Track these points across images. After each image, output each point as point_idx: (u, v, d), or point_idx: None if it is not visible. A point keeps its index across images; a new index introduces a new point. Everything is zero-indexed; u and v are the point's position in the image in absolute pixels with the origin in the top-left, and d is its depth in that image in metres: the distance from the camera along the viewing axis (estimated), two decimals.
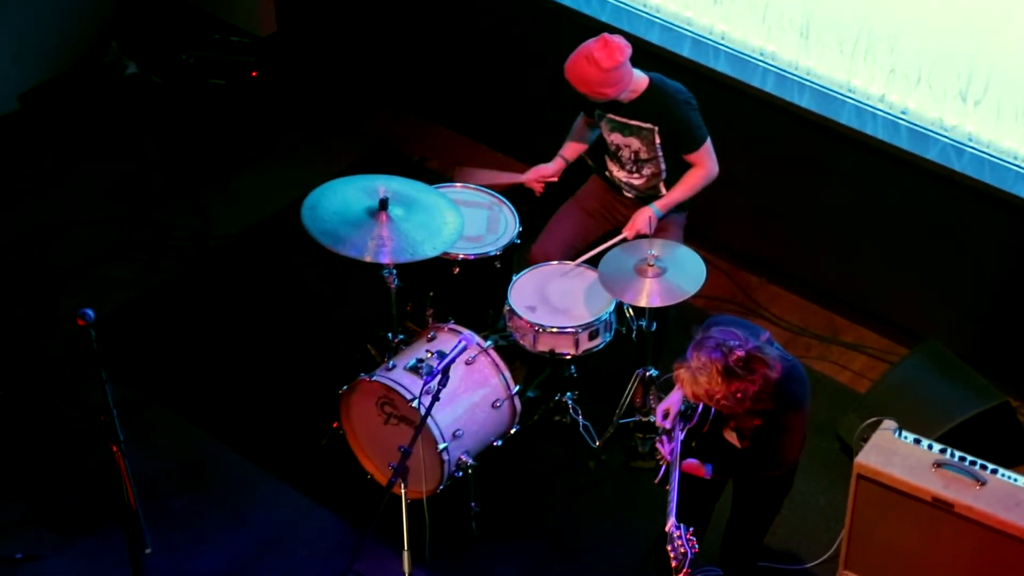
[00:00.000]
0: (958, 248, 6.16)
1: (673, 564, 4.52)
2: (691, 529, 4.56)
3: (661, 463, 4.87)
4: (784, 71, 6.32)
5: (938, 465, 5.13)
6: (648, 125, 5.76)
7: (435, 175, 7.11)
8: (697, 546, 4.53)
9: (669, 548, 4.55)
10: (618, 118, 5.82)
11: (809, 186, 6.54)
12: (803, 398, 4.72)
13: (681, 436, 4.86)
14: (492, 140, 7.41)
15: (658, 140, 5.77)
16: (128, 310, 6.56)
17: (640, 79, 5.73)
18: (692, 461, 4.87)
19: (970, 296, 6.21)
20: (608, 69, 5.58)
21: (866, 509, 5.22)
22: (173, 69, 7.69)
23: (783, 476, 4.95)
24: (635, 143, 5.82)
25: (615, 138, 5.86)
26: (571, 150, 6.10)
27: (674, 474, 4.73)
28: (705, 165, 5.81)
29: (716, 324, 4.67)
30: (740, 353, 4.48)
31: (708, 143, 5.80)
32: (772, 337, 4.74)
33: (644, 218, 5.80)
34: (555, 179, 6.06)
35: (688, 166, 5.87)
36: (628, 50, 5.63)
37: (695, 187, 5.85)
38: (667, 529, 4.58)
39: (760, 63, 6.36)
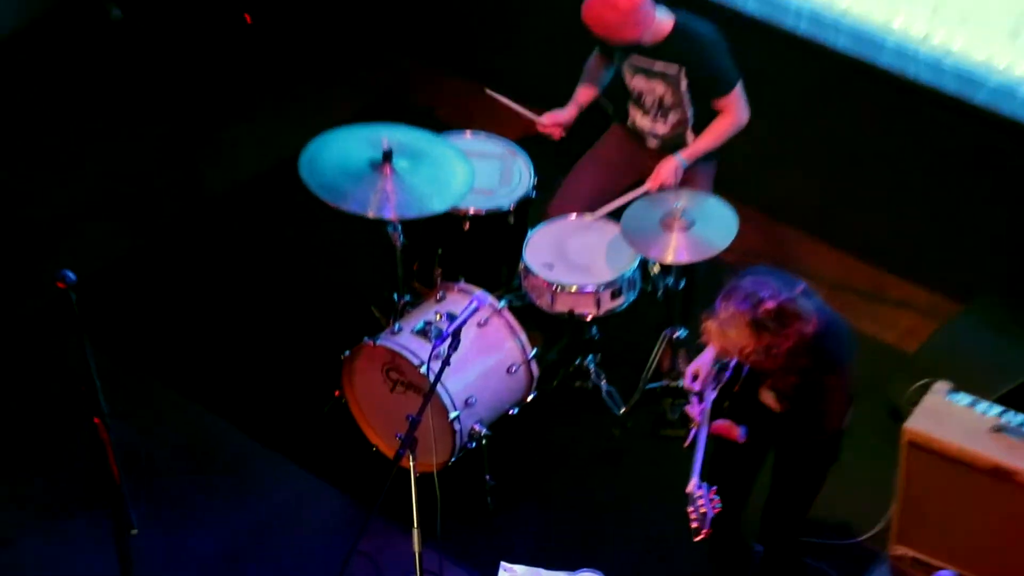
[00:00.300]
0: (1012, 196, 6.10)
1: (693, 525, 4.55)
2: (714, 488, 4.59)
3: (692, 428, 4.86)
4: (819, 12, 6.23)
5: (997, 430, 5.07)
6: (674, 68, 5.71)
7: (443, 124, 7.05)
8: (720, 506, 4.56)
9: (690, 509, 4.57)
10: (641, 61, 5.76)
11: (848, 133, 6.48)
12: (845, 355, 4.69)
13: (713, 395, 4.84)
14: (504, 87, 7.37)
15: (684, 84, 5.72)
16: (113, 272, 6.56)
17: (664, 19, 5.68)
18: (724, 422, 4.85)
19: None
20: (628, 10, 5.56)
21: (918, 479, 5.18)
22: (159, 11, 7.59)
23: (827, 443, 4.90)
24: (659, 88, 5.76)
25: (637, 83, 5.80)
26: (584, 94, 6.06)
27: (702, 432, 4.75)
28: (735, 111, 5.76)
29: (754, 276, 4.62)
30: (771, 305, 4.46)
31: (739, 87, 5.74)
32: (810, 288, 4.67)
33: (669, 168, 5.76)
34: (568, 125, 6.02)
35: (716, 112, 5.81)
36: None
37: (724, 134, 5.80)
38: (688, 490, 4.60)
39: (793, 3, 6.27)
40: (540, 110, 6.08)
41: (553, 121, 5.99)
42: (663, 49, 5.68)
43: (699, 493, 4.57)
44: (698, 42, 5.67)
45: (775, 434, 4.87)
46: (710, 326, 4.54)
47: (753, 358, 4.54)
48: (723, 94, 5.72)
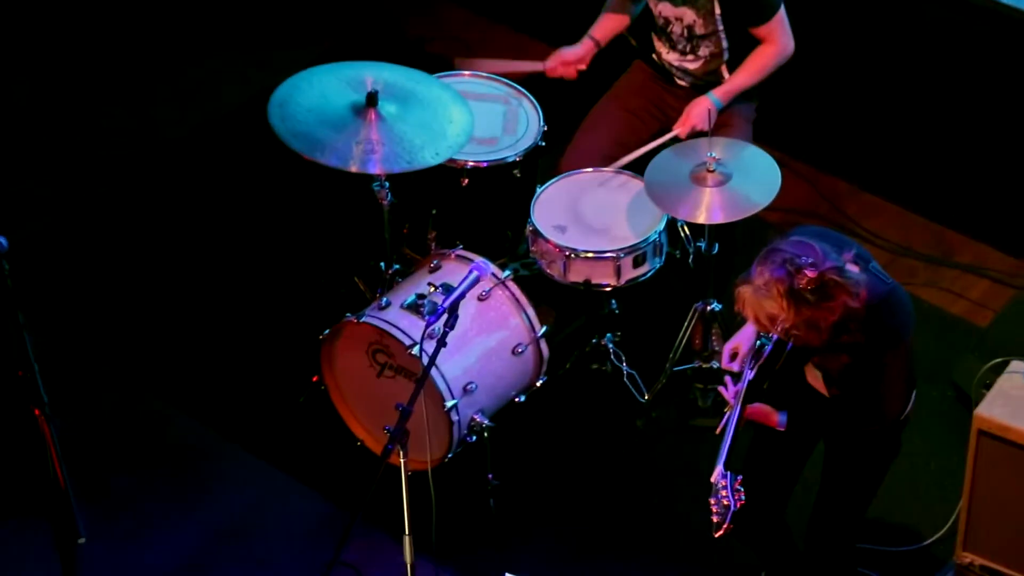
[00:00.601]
0: None
1: (714, 519, 4.59)
2: (739, 478, 4.62)
3: (726, 412, 4.88)
4: None
5: None
6: None
7: (437, 61, 7.01)
8: (744, 498, 4.59)
9: (712, 500, 4.61)
10: None
11: (912, 67, 6.49)
12: (904, 331, 4.70)
13: (751, 375, 4.84)
14: (509, 17, 7.39)
15: (718, 10, 5.73)
16: (50, 234, 6.57)
17: None
18: (761, 406, 4.86)
19: None
20: None
21: (990, 474, 5.17)
22: None
23: (884, 434, 4.91)
24: (689, 15, 5.77)
25: (664, 8, 5.81)
26: (604, 28, 6.05)
27: (733, 416, 4.77)
28: (777, 40, 5.77)
29: (799, 237, 4.63)
30: (811, 273, 4.46)
31: (782, 12, 5.75)
32: (864, 252, 4.69)
33: (701, 110, 5.77)
34: (583, 66, 6.03)
35: (756, 43, 5.81)
36: None
37: (765, 69, 5.81)
38: (712, 479, 4.64)
39: None
40: (549, 49, 6.05)
41: (560, 60, 5.99)
42: None
43: (723, 483, 4.61)
44: None
45: (823, 422, 4.89)
46: (744, 293, 4.55)
47: (794, 333, 4.56)
48: (764, 20, 5.73)
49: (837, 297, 4.48)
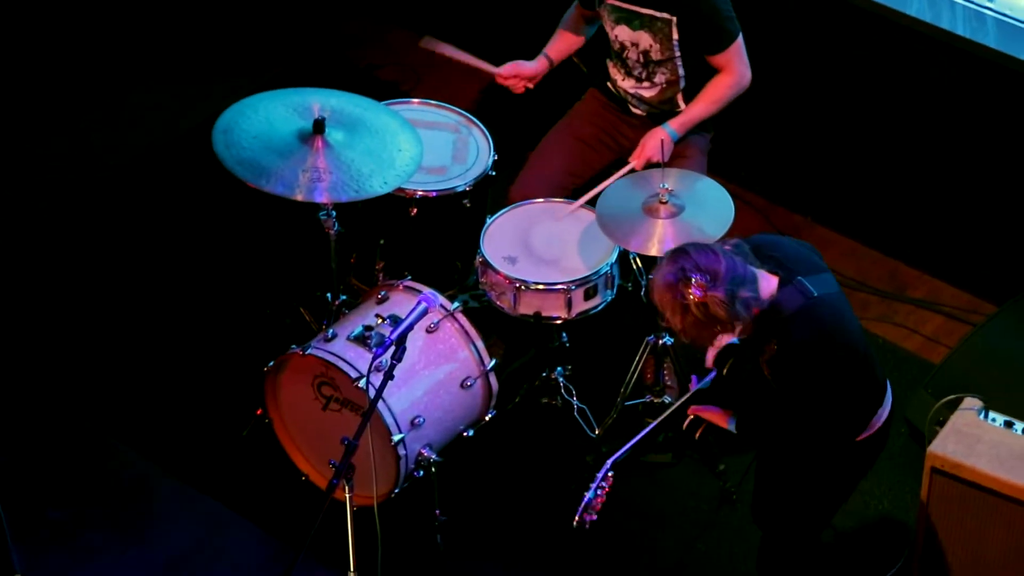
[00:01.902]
0: None
1: (584, 513, 4.75)
2: (611, 475, 4.78)
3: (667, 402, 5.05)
4: None
5: None
6: (664, 14, 5.75)
7: (386, 88, 7.07)
8: (604, 497, 4.77)
9: (587, 489, 4.77)
10: (626, 5, 5.80)
11: (867, 97, 6.54)
12: (819, 346, 4.68)
13: (712, 375, 4.93)
14: (463, 43, 7.39)
15: (676, 35, 5.76)
16: None
17: None
18: (713, 408, 4.93)
19: None
20: None
21: (943, 511, 5.23)
22: None
23: (836, 451, 4.93)
24: (645, 39, 5.81)
25: (620, 33, 5.85)
26: (559, 47, 6.07)
27: (666, 412, 4.88)
28: (735, 69, 5.81)
29: (765, 243, 4.73)
30: (697, 293, 4.53)
31: (740, 41, 5.80)
32: (809, 263, 4.73)
33: (656, 142, 5.79)
34: (532, 84, 6.04)
35: (713, 71, 5.85)
36: None
37: (722, 99, 5.85)
38: (603, 471, 4.79)
39: None
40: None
41: (514, 72, 5.99)
42: None
43: (604, 476, 4.75)
44: None
45: (755, 425, 4.93)
46: (651, 283, 4.67)
47: (682, 335, 4.64)
48: (721, 48, 5.77)
49: (716, 320, 4.56)
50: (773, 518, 5.17)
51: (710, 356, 4.98)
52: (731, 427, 4.92)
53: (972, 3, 6.07)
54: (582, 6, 6.00)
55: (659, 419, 5.02)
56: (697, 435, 5.16)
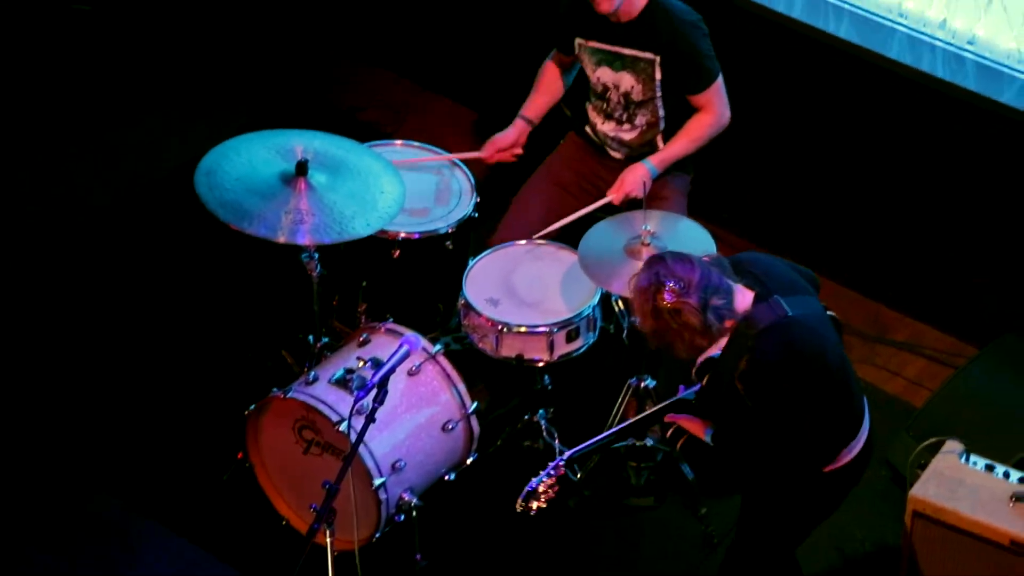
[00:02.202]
0: None
1: (528, 500, 4.85)
2: (561, 470, 4.86)
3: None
4: None
5: (1017, 499, 5.15)
6: (647, 55, 5.78)
7: (369, 130, 7.09)
8: (553, 495, 4.85)
9: (539, 478, 4.85)
10: (608, 46, 5.82)
11: (849, 139, 6.56)
12: (780, 361, 4.70)
13: (697, 387, 4.97)
14: (443, 85, 7.41)
15: (658, 75, 5.79)
16: None
17: None
18: (691, 417, 4.98)
19: None
20: None
21: (925, 554, 5.24)
22: None
23: (799, 482, 4.93)
24: (628, 80, 5.84)
25: (602, 75, 5.87)
26: (536, 106, 6.10)
27: (637, 415, 5.00)
28: (715, 109, 5.84)
29: (749, 260, 4.80)
30: (669, 299, 4.62)
31: (719, 81, 5.83)
32: (790, 284, 4.76)
33: (635, 177, 5.82)
34: (519, 150, 6.09)
35: (691, 112, 5.88)
36: None
37: (702, 138, 5.88)
38: (555, 460, 4.88)
39: None
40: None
41: (496, 148, 6.04)
42: (636, 30, 5.74)
43: (556, 468, 4.84)
44: (677, 22, 5.74)
45: (727, 444, 4.95)
46: (628, 285, 4.76)
47: (653, 340, 4.72)
48: (702, 88, 5.80)
49: (686, 327, 4.63)
50: (735, 545, 5.18)
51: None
52: (707, 438, 4.95)
53: (952, 46, 6.10)
54: (561, 52, 6.02)
55: (632, 420, 5.07)
56: (679, 445, 5.18)
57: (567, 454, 4.92)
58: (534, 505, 4.91)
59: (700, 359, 4.92)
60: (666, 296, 4.61)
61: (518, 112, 6.08)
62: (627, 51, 5.79)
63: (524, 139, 6.07)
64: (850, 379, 4.83)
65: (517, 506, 4.92)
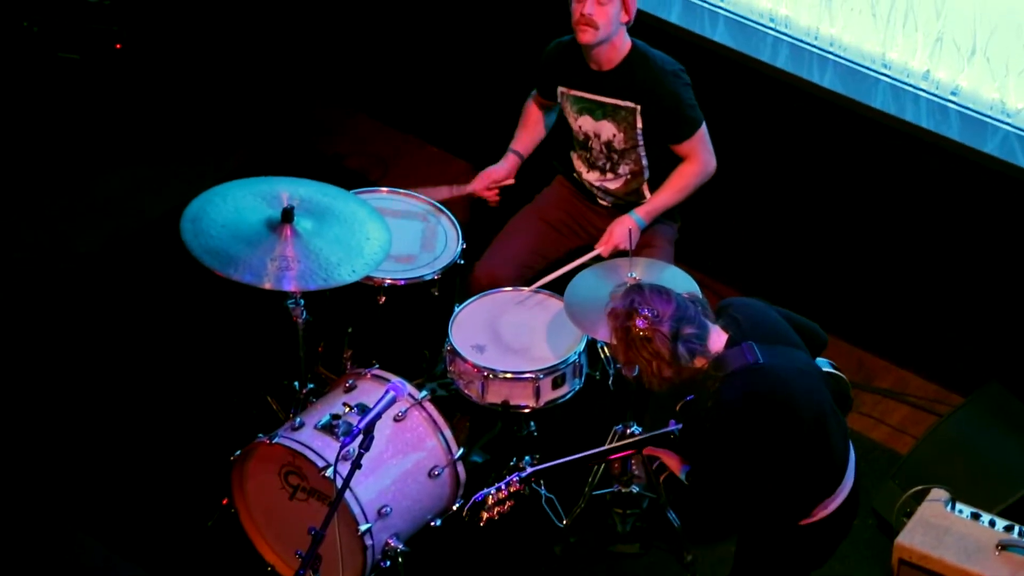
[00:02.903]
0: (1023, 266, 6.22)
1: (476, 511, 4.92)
2: (515, 487, 4.91)
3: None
4: (800, 41, 6.37)
5: (1003, 547, 5.17)
6: (628, 104, 5.80)
7: (354, 177, 7.10)
8: (492, 507, 4.90)
9: (489, 490, 4.90)
10: (589, 95, 5.85)
11: (832, 188, 6.59)
12: (740, 407, 4.70)
13: (677, 425, 5.01)
14: (427, 132, 7.43)
15: (639, 124, 5.82)
16: None
17: (622, 39, 5.78)
18: (670, 452, 5.00)
19: None
20: None
21: None
22: (12, 40, 7.64)
23: (779, 534, 4.93)
24: (609, 129, 5.86)
25: (584, 123, 5.90)
26: (525, 141, 6.13)
27: (622, 443, 5.04)
28: (699, 158, 5.86)
29: (737, 305, 4.82)
30: (642, 325, 4.68)
31: (703, 129, 5.85)
32: (771, 329, 4.78)
33: (623, 230, 5.82)
34: (510, 181, 6.10)
35: (676, 160, 5.90)
36: None
37: (688, 187, 5.90)
38: (513, 475, 4.93)
39: (770, 31, 6.41)
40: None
41: (489, 181, 6.05)
42: (616, 79, 5.78)
43: (508, 481, 4.90)
44: (659, 72, 5.77)
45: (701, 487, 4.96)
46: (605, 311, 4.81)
47: (624, 369, 4.84)
48: (685, 137, 5.82)
49: (655, 356, 4.67)
50: None
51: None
52: (683, 475, 4.96)
53: (936, 96, 6.14)
54: (541, 96, 6.06)
55: (608, 447, 5.10)
56: (662, 479, 5.18)
57: (528, 471, 4.96)
58: (484, 516, 4.94)
59: (682, 403, 4.97)
60: (638, 323, 4.67)
61: (508, 146, 6.11)
62: (608, 100, 5.82)
63: (514, 173, 6.08)
64: (829, 435, 4.80)
65: (464, 514, 4.97)
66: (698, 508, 5.51)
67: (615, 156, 5.91)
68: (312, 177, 5.81)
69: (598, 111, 5.84)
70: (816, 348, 5.05)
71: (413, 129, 7.48)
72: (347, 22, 7.49)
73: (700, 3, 6.47)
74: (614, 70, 5.78)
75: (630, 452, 5.33)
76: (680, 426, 4.96)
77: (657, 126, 5.82)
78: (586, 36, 5.71)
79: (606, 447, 5.09)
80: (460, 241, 6.02)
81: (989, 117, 6.07)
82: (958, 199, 6.28)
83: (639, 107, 5.79)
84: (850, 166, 6.50)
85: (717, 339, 4.73)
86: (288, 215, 5.53)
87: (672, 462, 4.99)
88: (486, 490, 4.93)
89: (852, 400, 5.24)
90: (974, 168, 6.13)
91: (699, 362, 4.70)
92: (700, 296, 4.85)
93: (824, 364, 5.13)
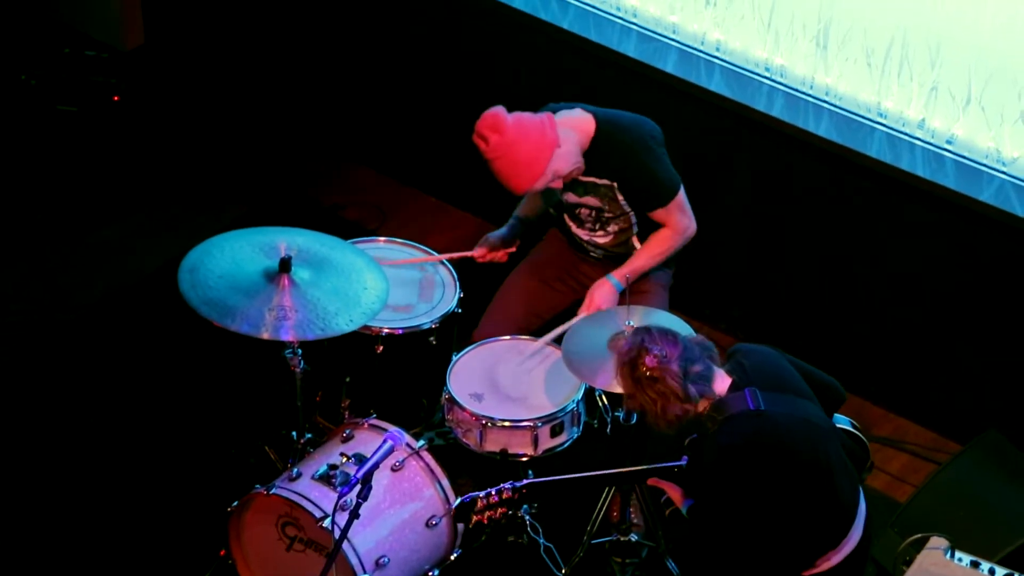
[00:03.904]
0: (1022, 314, 6.22)
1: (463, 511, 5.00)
2: (507, 494, 4.97)
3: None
4: (796, 90, 6.40)
5: None
6: (604, 181, 5.84)
7: (352, 227, 7.11)
8: (482, 510, 4.95)
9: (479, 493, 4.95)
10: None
11: (828, 237, 6.61)
12: (735, 452, 4.72)
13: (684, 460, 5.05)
14: (427, 183, 7.45)
15: (621, 197, 5.86)
16: None
17: (585, 121, 5.75)
18: (673, 485, 5.02)
19: None
20: (533, 160, 5.59)
21: None
22: (11, 93, 7.65)
23: None
24: (593, 201, 5.91)
25: (569, 197, 5.95)
26: (527, 207, 6.14)
27: (625, 470, 5.09)
28: (675, 223, 5.88)
29: (746, 351, 4.88)
30: (650, 363, 4.75)
31: (680, 196, 5.85)
32: (777, 378, 4.81)
33: (604, 293, 5.87)
34: (513, 248, 6.12)
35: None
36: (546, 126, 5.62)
37: (665, 252, 5.93)
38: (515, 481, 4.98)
39: (765, 80, 6.45)
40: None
41: (490, 248, 6.06)
42: (589, 159, 5.76)
43: (500, 488, 4.96)
44: (626, 150, 5.77)
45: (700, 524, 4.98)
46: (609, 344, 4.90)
47: (628, 405, 4.86)
48: (662, 205, 5.83)
49: (664, 394, 4.72)
50: None
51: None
52: (684, 509, 4.98)
53: (931, 145, 6.16)
54: None
55: (610, 472, 5.14)
56: (667, 513, 5.19)
57: (525, 481, 4.99)
58: (473, 519, 4.99)
59: (689, 439, 4.98)
60: (647, 360, 4.73)
61: (512, 212, 6.12)
62: (585, 179, 5.83)
63: (516, 241, 6.09)
64: (836, 486, 4.80)
65: (452, 511, 5.06)
66: (697, 543, 5.51)
67: (604, 219, 5.94)
68: (310, 227, 5.82)
69: (579, 188, 5.87)
70: (832, 403, 5.07)
71: (411, 180, 7.49)
72: (345, 73, 7.53)
73: (696, 52, 6.50)
74: (587, 151, 5.76)
75: (632, 487, 5.44)
76: (686, 459, 4.99)
77: (634, 198, 5.85)
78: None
79: (610, 471, 5.12)
80: (458, 290, 6.03)
81: (985, 166, 6.09)
82: (954, 248, 6.30)
83: (616, 184, 5.81)
84: (846, 214, 6.51)
85: (721, 382, 4.77)
86: (286, 265, 5.54)
87: (675, 495, 5.03)
88: (475, 493, 4.97)
89: (872, 463, 5.26)
90: (970, 216, 6.14)
91: (702, 404, 4.74)
92: (707, 341, 4.89)
93: (843, 421, 5.16)
